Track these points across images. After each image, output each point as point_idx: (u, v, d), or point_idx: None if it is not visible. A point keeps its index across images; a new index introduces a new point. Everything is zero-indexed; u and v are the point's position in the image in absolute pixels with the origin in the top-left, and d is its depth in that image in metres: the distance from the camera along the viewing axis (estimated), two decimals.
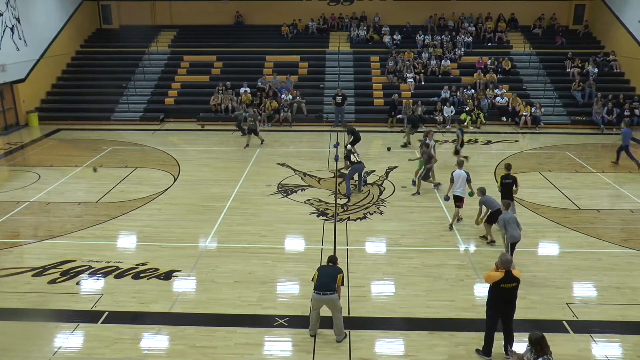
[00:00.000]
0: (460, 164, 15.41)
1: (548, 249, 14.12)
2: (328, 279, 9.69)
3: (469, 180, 14.68)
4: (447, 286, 11.96)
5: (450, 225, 14.99)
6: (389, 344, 10.02)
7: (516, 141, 24.70)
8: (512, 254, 11.69)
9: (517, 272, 9.09)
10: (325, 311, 9.92)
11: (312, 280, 9.89)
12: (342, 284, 9.95)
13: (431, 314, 10.92)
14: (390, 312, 10.98)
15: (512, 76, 30.80)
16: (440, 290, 11.81)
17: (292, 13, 35.20)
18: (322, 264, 10.13)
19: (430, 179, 17.76)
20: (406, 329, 10.46)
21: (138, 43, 33.97)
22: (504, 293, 9.04)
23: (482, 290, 11.47)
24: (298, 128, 27.17)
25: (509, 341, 9.38)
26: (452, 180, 14.83)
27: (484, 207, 13.80)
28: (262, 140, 23.47)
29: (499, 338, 9.42)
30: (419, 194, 17.49)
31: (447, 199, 15.09)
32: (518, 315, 9.53)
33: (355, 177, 17.85)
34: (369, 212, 16.11)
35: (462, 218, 15.33)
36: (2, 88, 26.48)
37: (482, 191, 13.73)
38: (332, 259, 10.21)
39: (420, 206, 16.68)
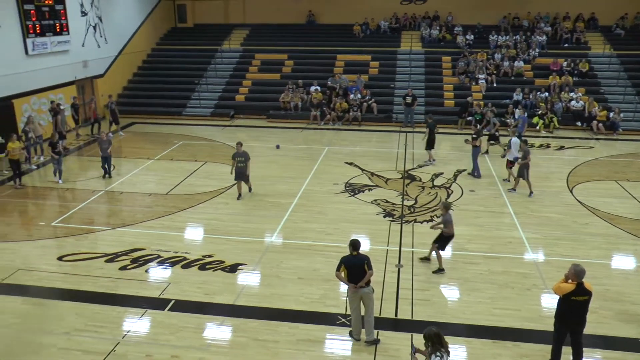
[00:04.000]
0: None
1: (623, 262, 13.37)
2: (357, 272, 9.46)
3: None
4: (513, 295, 11.58)
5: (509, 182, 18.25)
6: (452, 350, 9.70)
7: (591, 147, 23.63)
8: None
9: (589, 285, 8.58)
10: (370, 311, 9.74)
11: (337, 270, 9.59)
12: (371, 269, 9.53)
13: (495, 322, 10.59)
14: (454, 318, 10.74)
15: (590, 79, 29.52)
16: (505, 298, 11.45)
17: (364, 12, 35.07)
18: (346, 255, 9.69)
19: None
20: (469, 335, 10.19)
21: (211, 41, 34.73)
22: (574, 306, 8.58)
23: (549, 302, 11.05)
24: (367, 128, 27.03)
25: (577, 357, 8.93)
26: (509, 147, 18.07)
27: None
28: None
29: (567, 352, 9.01)
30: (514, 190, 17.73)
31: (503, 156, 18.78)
32: (588, 329, 9.08)
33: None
34: (435, 215, 15.81)
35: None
36: (84, 83, 27.64)
37: None
38: (355, 246, 9.60)
39: (488, 211, 16.24)
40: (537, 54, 31.17)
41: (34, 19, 23.02)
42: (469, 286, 11.91)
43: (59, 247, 13.83)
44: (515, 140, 18.07)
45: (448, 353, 7.34)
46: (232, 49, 34.17)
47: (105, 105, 25.43)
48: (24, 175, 19.00)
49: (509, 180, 18.51)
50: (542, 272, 12.55)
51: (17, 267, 12.64)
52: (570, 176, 19.33)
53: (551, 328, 9.12)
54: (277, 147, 22.87)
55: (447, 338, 9.92)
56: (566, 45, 31.92)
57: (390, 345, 9.77)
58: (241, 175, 16.81)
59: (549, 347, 9.19)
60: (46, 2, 23.79)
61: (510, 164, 18.35)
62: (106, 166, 19.02)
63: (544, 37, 32.08)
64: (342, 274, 9.54)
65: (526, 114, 23.79)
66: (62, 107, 23.23)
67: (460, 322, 10.61)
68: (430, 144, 20.87)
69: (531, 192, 17.30)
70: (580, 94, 27.69)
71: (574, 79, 29.04)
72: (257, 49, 33.79)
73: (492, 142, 22.52)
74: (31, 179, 19.30)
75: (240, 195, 16.93)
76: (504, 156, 18.47)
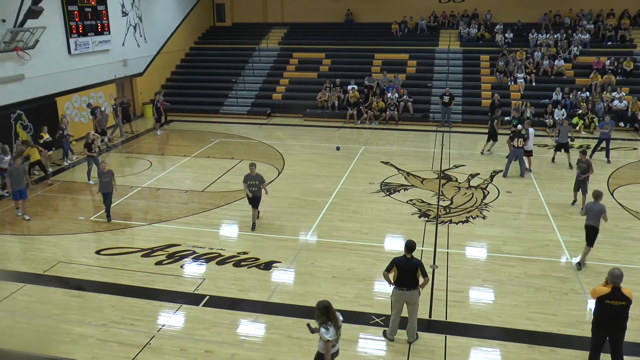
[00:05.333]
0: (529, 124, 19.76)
1: None
2: (409, 275, 9.37)
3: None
4: (550, 299, 11.31)
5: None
6: (486, 353, 9.64)
7: (634, 149, 22.99)
8: None
9: (628, 291, 8.31)
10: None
11: (386, 270, 9.50)
12: (426, 275, 9.39)
13: (531, 326, 10.37)
14: (488, 321, 10.56)
15: (634, 78, 28.61)
16: (541, 302, 11.19)
17: (402, 10, 34.84)
18: (398, 256, 9.66)
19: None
20: (504, 339, 10.00)
21: (249, 40, 34.97)
22: (609, 311, 8.33)
23: (587, 307, 10.82)
24: (404, 127, 26.83)
25: None
26: (527, 137, 18.89)
27: None
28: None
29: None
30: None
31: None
32: (629, 337, 8.81)
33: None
34: (471, 216, 15.61)
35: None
36: (124, 81, 28.16)
37: None
38: (410, 248, 9.53)
39: (524, 213, 15.98)
40: (578, 52, 30.43)
41: (77, 19, 23.51)
42: (504, 289, 11.70)
43: (97, 241, 14.13)
44: (532, 130, 19.43)
45: (337, 327, 7.75)
46: (269, 47, 34.34)
47: (152, 102, 25.91)
48: (63, 172, 19.53)
49: (529, 168, 19.38)
50: (580, 276, 12.22)
51: (57, 260, 12.97)
52: (611, 178, 18.82)
53: (589, 334, 8.90)
54: (337, 148, 22.08)
55: (481, 341, 9.92)
56: (610, 43, 31.09)
57: (424, 347, 9.67)
58: (255, 200, 14.72)
59: (586, 354, 8.97)
60: (89, 3, 24.28)
61: (527, 153, 19.28)
62: (110, 204, 15.40)
63: (587, 35, 31.29)
64: (391, 275, 9.48)
65: (612, 121, 21.58)
66: (103, 109, 23.60)
67: (494, 325, 10.42)
68: (489, 137, 21.67)
69: (576, 202, 16.47)
70: (624, 94, 26.91)
71: (618, 78, 28.26)
72: (295, 47, 33.88)
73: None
74: (71, 174, 19.75)
75: (254, 225, 14.81)
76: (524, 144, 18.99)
